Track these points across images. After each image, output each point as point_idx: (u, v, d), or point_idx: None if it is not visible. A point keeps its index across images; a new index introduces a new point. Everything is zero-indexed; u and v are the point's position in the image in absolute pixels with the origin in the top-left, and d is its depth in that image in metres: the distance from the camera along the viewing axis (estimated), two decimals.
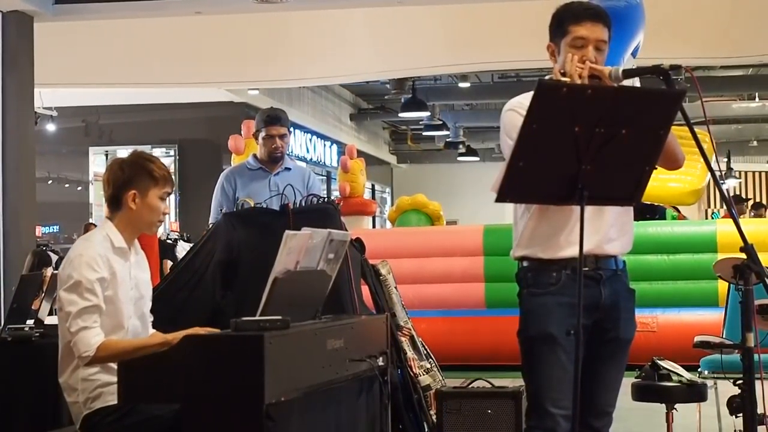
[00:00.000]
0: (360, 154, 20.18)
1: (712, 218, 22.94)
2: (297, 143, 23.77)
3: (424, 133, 28.74)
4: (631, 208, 4.27)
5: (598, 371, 4.19)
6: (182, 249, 15.22)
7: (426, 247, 12.39)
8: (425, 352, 6.90)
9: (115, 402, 4.15)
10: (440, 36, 15.08)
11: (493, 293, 11.76)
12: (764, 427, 4.92)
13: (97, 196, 21.99)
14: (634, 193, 3.76)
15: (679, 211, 16.31)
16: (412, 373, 6.54)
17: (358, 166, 17.82)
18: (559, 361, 4.10)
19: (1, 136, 10.96)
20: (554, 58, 4.22)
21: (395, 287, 6.98)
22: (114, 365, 4.17)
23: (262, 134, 7.18)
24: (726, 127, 28.23)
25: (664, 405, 6.22)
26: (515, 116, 3.93)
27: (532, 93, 3.48)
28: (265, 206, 6.40)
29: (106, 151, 22.59)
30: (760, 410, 4.23)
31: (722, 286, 9.97)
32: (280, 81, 18.51)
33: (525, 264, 4.26)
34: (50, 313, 6.97)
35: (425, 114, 24.31)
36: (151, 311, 4.75)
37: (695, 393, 6.22)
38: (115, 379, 4.07)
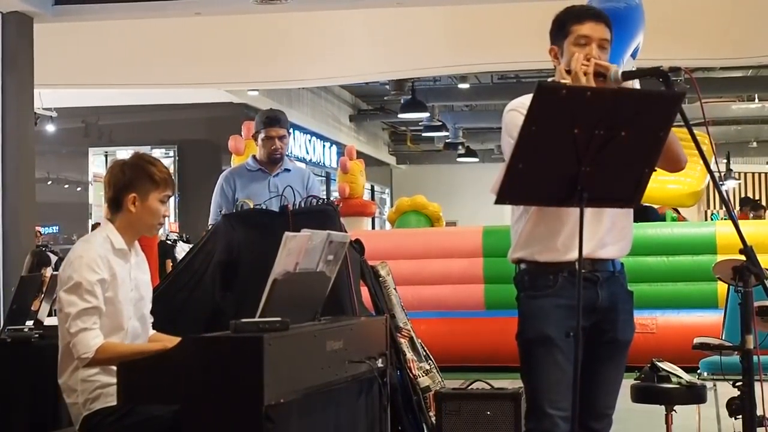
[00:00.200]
0: (359, 155, 20.19)
1: (712, 220, 22.96)
2: (296, 144, 23.78)
3: (424, 134, 28.73)
4: (631, 212, 4.28)
5: (596, 373, 4.19)
6: (181, 250, 15.23)
7: (425, 249, 12.40)
8: (424, 353, 6.90)
9: (115, 403, 4.15)
10: (440, 37, 15.08)
11: (493, 294, 11.76)
12: (764, 428, 4.92)
13: (96, 196, 21.99)
14: (633, 195, 3.77)
15: (678, 212, 16.32)
16: (411, 375, 6.55)
17: (358, 167, 17.82)
18: (557, 362, 4.10)
19: (1, 136, 10.95)
20: (557, 61, 4.23)
21: (394, 288, 6.98)
22: (113, 367, 4.18)
23: (262, 135, 7.18)
24: (725, 128, 28.23)
25: (663, 407, 6.22)
26: (517, 116, 3.93)
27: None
28: (264, 207, 6.41)
29: (106, 152, 22.61)
30: (759, 412, 4.23)
31: (722, 287, 9.98)
32: (279, 82, 18.50)
33: (522, 267, 4.27)
34: (50, 314, 6.97)
35: (425, 115, 24.31)
36: (151, 312, 4.75)
37: (694, 395, 6.22)
38: (114, 380, 4.07)
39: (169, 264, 14.51)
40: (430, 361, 6.88)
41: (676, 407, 6.22)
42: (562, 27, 4.22)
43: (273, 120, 7.19)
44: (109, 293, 4.38)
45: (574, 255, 3.99)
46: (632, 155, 3.62)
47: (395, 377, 6.22)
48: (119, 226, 4.56)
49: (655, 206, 15.31)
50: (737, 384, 4.30)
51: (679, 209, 16.07)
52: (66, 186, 23.33)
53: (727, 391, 5.92)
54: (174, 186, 4.70)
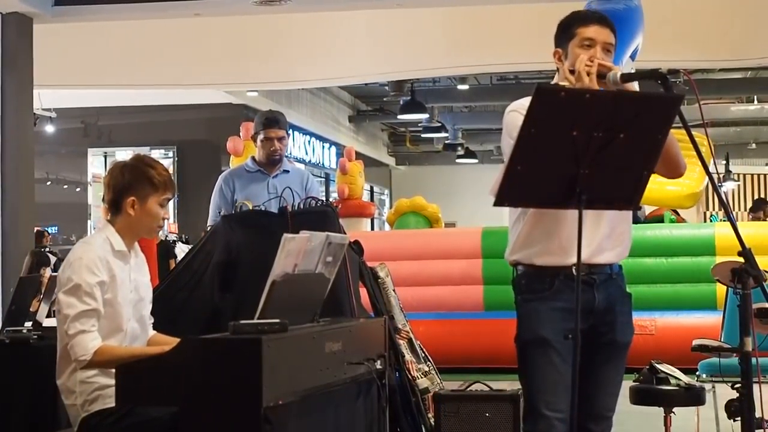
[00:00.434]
0: (358, 156, 20.19)
1: (711, 221, 22.95)
2: (295, 145, 23.78)
3: (423, 135, 28.73)
4: (630, 217, 4.29)
5: (595, 375, 4.19)
6: (180, 251, 15.22)
7: (424, 250, 12.40)
8: (423, 354, 6.90)
9: (113, 404, 4.15)
10: (439, 38, 15.08)
11: (492, 296, 11.77)
12: (762, 431, 4.91)
13: (95, 197, 21.98)
14: (632, 197, 3.77)
15: (678, 213, 16.31)
16: (410, 376, 6.55)
17: (357, 168, 17.83)
18: (553, 364, 4.11)
19: (1, 136, 10.95)
20: (561, 63, 4.23)
21: (393, 290, 6.98)
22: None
23: (261, 137, 7.19)
24: (724, 130, 28.24)
25: (662, 408, 6.23)
26: (517, 117, 3.93)
27: None
28: (263, 208, 6.41)
29: (105, 153, 22.60)
30: (758, 414, 4.23)
31: (721, 288, 9.98)
32: (279, 83, 18.49)
33: (519, 270, 4.28)
34: (48, 315, 6.97)
35: (424, 116, 24.30)
36: (151, 312, 4.76)
37: (693, 396, 6.22)
38: (113, 381, 4.08)
39: (173, 263, 14.49)
40: (429, 362, 6.88)
41: (674, 409, 6.22)
42: (567, 29, 4.23)
43: (272, 121, 7.19)
44: (109, 295, 4.38)
45: (571, 259, 4.00)
46: (631, 157, 3.62)
47: (394, 379, 6.22)
48: (119, 228, 4.56)
49: (652, 207, 15.33)
50: (736, 386, 4.30)
51: (677, 211, 16.06)
52: (65, 186, 23.34)
53: (725, 393, 5.92)
54: (174, 188, 4.69)
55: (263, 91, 20.72)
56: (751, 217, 19.66)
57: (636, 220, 14.49)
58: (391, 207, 23.27)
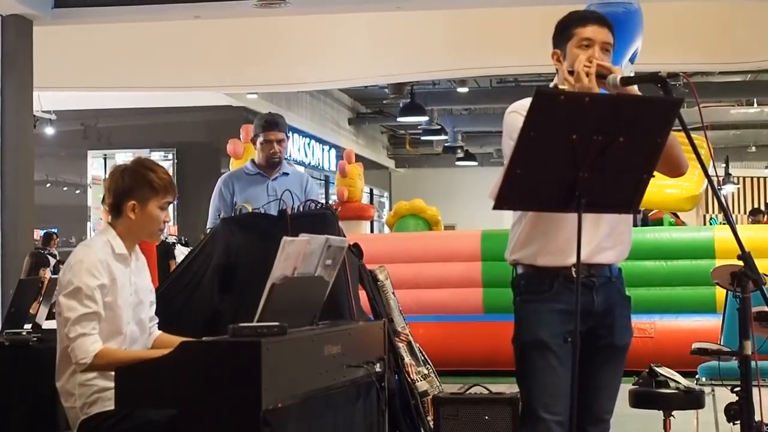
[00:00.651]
0: (358, 158, 20.19)
1: (710, 224, 22.96)
2: (295, 147, 23.78)
3: (423, 138, 28.76)
4: (630, 217, 4.28)
5: (593, 378, 4.19)
6: (180, 253, 15.21)
7: (424, 252, 12.39)
8: (423, 357, 6.90)
9: (113, 407, 4.14)
10: (439, 41, 15.10)
11: (491, 298, 11.76)
12: None
13: (95, 199, 21.99)
14: (632, 200, 3.77)
15: (677, 216, 16.33)
16: (409, 379, 6.55)
17: (356, 171, 17.82)
18: (551, 366, 4.10)
19: (0, 138, 10.97)
20: (560, 64, 4.22)
21: (393, 292, 6.98)
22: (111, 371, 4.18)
23: (260, 139, 7.18)
24: (724, 133, 28.27)
25: (661, 412, 6.22)
26: (518, 118, 3.91)
27: None
28: (263, 211, 6.41)
29: (105, 155, 22.61)
30: (757, 418, 4.23)
31: (720, 292, 9.98)
32: (278, 85, 18.52)
33: (519, 270, 4.27)
34: (48, 318, 6.97)
35: (423, 118, 24.32)
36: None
37: (693, 400, 6.21)
38: (112, 384, 4.07)
39: (173, 265, 14.48)
40: (428, 365, 6.88)
41: (674, 412, 6.21)
42: (565, 30, 4.22)
43: (272, 124, 7.18)
44: (109, 298, 4.38)
45: (570, 260, 4.00)
46: (631, 161, 3.62)
47: (393, 381, 6.22)
48: (120, 231, 4.56)
49: (653, 210, 15.35)
50: (735, 389, 4.29)
51: (677, 213, 16.07)
52: (65, 188, 23.34)
53: (725, 396, 5.91)
54: (175, 192, 4.68)
55: (263, 94, 20.75)
56: (750, 220, 19.70)
57: (645, 223, 14.53)
58: (390, 209, 23.26)
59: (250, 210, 6.47)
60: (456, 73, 19.26)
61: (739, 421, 4.15)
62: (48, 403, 5.34)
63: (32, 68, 11.30)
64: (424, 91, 23.50)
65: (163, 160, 21.30)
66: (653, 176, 3.77)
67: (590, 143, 3.51)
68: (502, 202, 3.64)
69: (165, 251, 15.50)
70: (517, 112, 4.08)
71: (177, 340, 4.40)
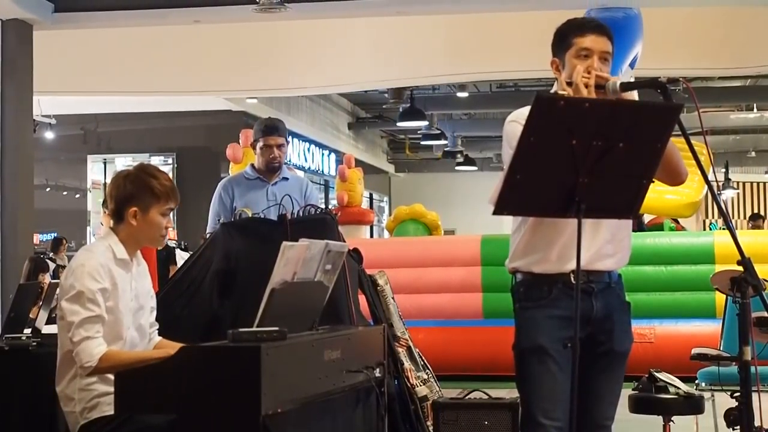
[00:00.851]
0: (358, 163, 20.19)
1: (710, 229, 22.96)
2: (295, 152, 23.77)
3: (422, 143, 28.73)
4: (630, 223, 4.28)
5: (593, 384, 4.18)
6: (180, 257, 15.20)
7: (423, 257, 12.40)
8: (422, 362, 6.90)
9: (112, 412, 4.15)
10: (439, 45, 15.10)
11: (491, 303, 11.76)
12: None
13: (95, 203, 21.98)
14: (632, 206, 3.77)
15: (677, 222, 16.33)
16: (409, 384, 6.55)
17: (356, 176, 17.82)
18: (550, 372, 4.10)
19: (0, 143, 10.97)
20: (558, 73, 4.21)
21: (392, 297, 6.98)
22: (111, 375, 4.18)
23: (260, 144, 7.18)
24: (724, 138, 28.25)
25: (661, 417, 6.22)
26: (517, 127, 3.90)
27: None
28: (262, 216, 6.41)
29: (105, 159, 22.59)
30: (757, 423, 4.23)
31: (720, 297, 9.97)
32: (278, 90, 18.52)
33: (518, 278, 4.27)
34: (48, 322, 6.98)
35: (423, 123, 24.29)
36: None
37: (692, 405, 6.21)
38: (112, 389, 4.07)
39: (173, 270, 14.47)
40: (427, 370, 6.88)
41: (673, 418, 6.22)
42: (563, 39, 4.21)
43: (271, 128, 7.18)
44: (110, 302, 4.39)
45: (569, 266, 4.00)
46: (630, 166, 3.63)
47: (393, 386, 6.22)
48: (122, 237, 4.56)
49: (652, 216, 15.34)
50: (735, 395, 4.30)
51: (677, 219, 16.07)
52: (64, 193, 23.33)
53: (725, 401, 5.93)
54: (177, 198, 4.67)
55: (263, 98, 20.72)
56: (750, 225, 19.70)
57: (641, 228, 14.53)
58: (390, 214, 23.26)
59: (250, 215, 6.47)
60: (456, 78, 19.27)
61: (738, 427, 4.16)
62: (47, 408, 5.35)
63: (32, 72, 11.31)
64: (423, 96, 23.49)
65: (163, 164, 21.27)
66: (653, 182, 3.77)
67: (590, 149, 3.52)
68: (501, 207, 3.65)
69: (167, 256, 15.50)
70: (517, 121, 4.07)
71: (177, 345, 4.40)
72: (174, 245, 17.26)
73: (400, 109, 22.59)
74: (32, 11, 11.00)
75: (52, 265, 13.51)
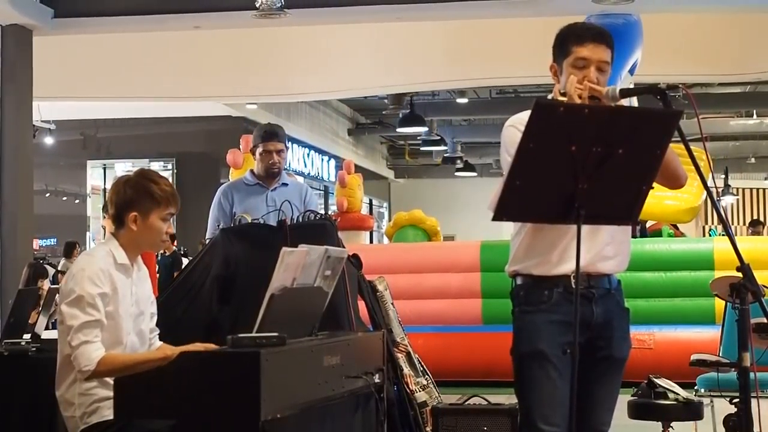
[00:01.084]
0: (357, 168, 20.18)
1: (710, 235, 22.96)
2: (294, 158, 23.78)
3: (422, 148, 28.78)
4: (629, 228, 4.28)
5: (591, 389, 4.18)
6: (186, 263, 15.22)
7: (423, 263, 12.38)
8: (421, 368, 6.90)
9: (112, 417, 4.15)
10: (439, 51, 15.11)
11: (490, 309, 11.75)
12: None
13: (94, 209, 21.99)
14: (631, 212, 3.77)
15: (676, 227, 16.32)
16: (408, 390, 6.55)
17: (356, 181, 17.81)
18: (550, 377, 4.10)
19: (0, 148, 10.97)
20: (557, 79, 4.21)
21: (392, 303, 6.99)
22: (111, 380, 4.18)
23: (260, 150, 7.18)
24: (723, 144, 28.29)
25: (660, 423, 6.23)
26: (515, 132, 3.91)
27: None
28: (262, 222, 6.41)
29: (104, 165, 22.62)
30: (756, 429, 4.23)
31: (719, 303, 9.96)
32: (278, 95, 18.52)
33: (518, 281, 4.26)
34: (47, 328, 6.98)
35: (423, 129, 24.32)
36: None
37: (692, 411, 6.21)
38: (112, 393, 4.08)
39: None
40: (427, 376, 6.89)
41: (673, 424, 6.22)
42: (562, 46, 4.19)
43: (271, 134, 7.18)
44: (110, 307, 4.39)
45: (568, 267, 4.00)
46: (630, 173, 3.63)
47: (392, 392, 6.22)
48: (122, 242, 4.57)
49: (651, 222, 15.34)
50: (734, 401, 4.30)
51: (676, 225, 16.07)
52: (64, 198, 23.34)
53: (724, 407, 5.93)
54: (178, 203, 4.67)
55: (262, 104, 20.75)
56: (750, 231, 19.70)
57: (644, 234, 14.53)
58: (389, 220, 23.26)
59: (250, 220, 6.47)
60: (455, 84, 19.27)
61: None
62: (47, 413, 5.34)
63: (32, 78, 11.31)
64: (423, 102, 23.51)
65: (163, 170, 21.30)
66: (652, 188, 3.77)
67: (589, 155, 3.52)
68: (501, 213, 3.65)
69: (173, 262, 15.53)
70: (515, 126, 4.06)
71: (177, 350, 4.40)
72: (174, 250, 17.28)
73: (400, 115, 22.63)
74: (32, 17, 11.00)
75: (51, 271, 13.51)
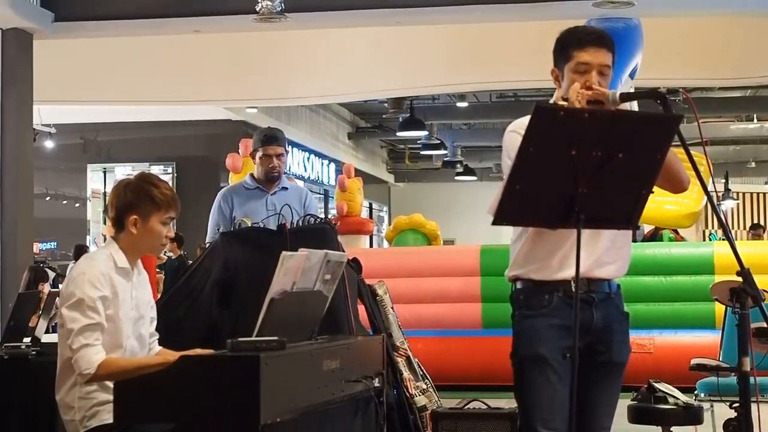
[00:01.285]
0: (357, 172, 20.20)
1: (710, 239, 22.95)
2: (294, 162, 23.77)
3: (422, 152, 28.75)
4: (630, 232, 4.28)
5: (590, 394, 4.18)
6: None
7: (423, 267, 12.38)
8: (421, 372, 6.90)
9: (112, 420, 4.14)
10: (439, 55, 15.11)
11: (490, 313, 11.75)
12: None
13: (94, 212, 21.99)
14: (631, 216, 3.77)
15: (677, 232, 16.32)
16: (408, 394, 6.55)
17: (356, 185, 17.82)
18: (549, 381, 4.10)
19: (0, 152, 10.97)
20: (558, 83, 4.21)
21: (391, 307, 6.98)
22: (111, 383, 4.18)
23: (260, 154, 7.19)
24: (724, 148, 28.26)
25: (660, 428, 6.22)
26: (516, 137, 3.90)
27: None
28: (262, 226, 6.41)
29: (104, 168, 22.60)
30: None
31: (719, 307, 9.95)
32: (278, 99, 18.52)
33: (518, 285, 4.27)
34: (47, 331, 6.98)
35: (423, 133, 24.30)
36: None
37: (691, 416, 6.21)
38: (111, 397, 4.08)
39: None
40: (426, 380, 6.88)
41: (673, 428, 6.22)
42: (563, 50, 4.18)
43: (271, 138, 7.19)
44: (110, 311, 4.39)
45: (568, 272, 4.00)
46: (630, 177, 3.63)
47: (392, 396, 6.22)
48: (123, 245, 4.57)
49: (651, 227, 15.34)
50: (734, 405, 4.31)
51: (676, 229, 16.07)
52: (64, 202, 23.34)
53: (724, 412, 5.93)
54: (178, 207, 4.68)
55: (262, 108, 20.73)
56: (751, 235, 19.69)
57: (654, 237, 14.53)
58: (389, 224, 23.25)
59: (249, 224, 6.47)
60: (455, 88, 19.28)
61: None
62: (47, 417, 5.34)
63: (32, 82, 11.31)
64: (423, 106, 23.50)
65: (163, 173, 21.27)
66: (653, 192, 3.77)
67: (589, 159, 3.52)
68: (501, 217, 3.65)
69: (179, 266, 15.52)
70: (516, 131, 4.06)
71: (177, 354, 4.40)
72: (171, 255, 17.28)
73: (400, 119, 22.61)
74: (32, 20, 11.00)
75: (51, 274, 13.51)
